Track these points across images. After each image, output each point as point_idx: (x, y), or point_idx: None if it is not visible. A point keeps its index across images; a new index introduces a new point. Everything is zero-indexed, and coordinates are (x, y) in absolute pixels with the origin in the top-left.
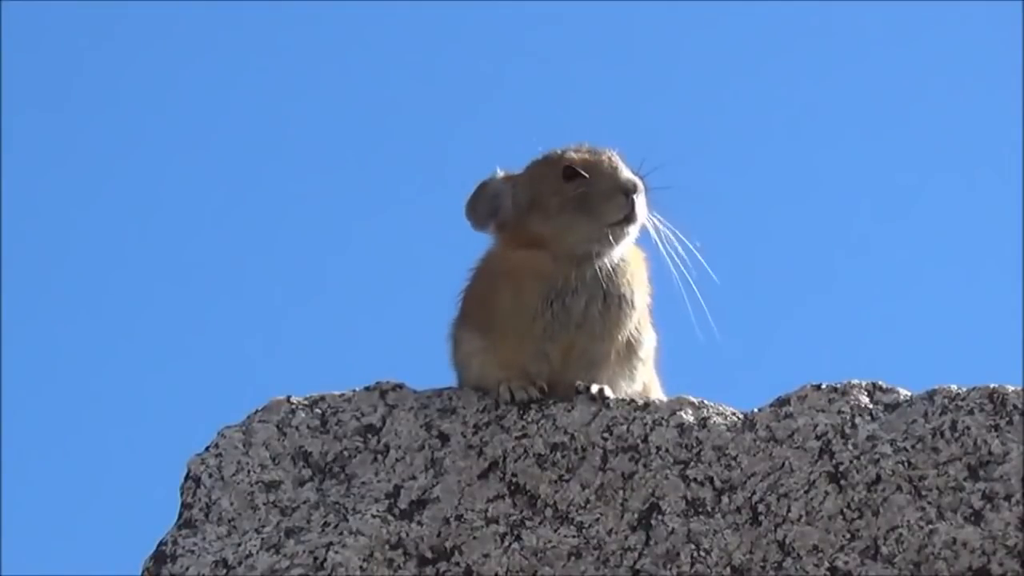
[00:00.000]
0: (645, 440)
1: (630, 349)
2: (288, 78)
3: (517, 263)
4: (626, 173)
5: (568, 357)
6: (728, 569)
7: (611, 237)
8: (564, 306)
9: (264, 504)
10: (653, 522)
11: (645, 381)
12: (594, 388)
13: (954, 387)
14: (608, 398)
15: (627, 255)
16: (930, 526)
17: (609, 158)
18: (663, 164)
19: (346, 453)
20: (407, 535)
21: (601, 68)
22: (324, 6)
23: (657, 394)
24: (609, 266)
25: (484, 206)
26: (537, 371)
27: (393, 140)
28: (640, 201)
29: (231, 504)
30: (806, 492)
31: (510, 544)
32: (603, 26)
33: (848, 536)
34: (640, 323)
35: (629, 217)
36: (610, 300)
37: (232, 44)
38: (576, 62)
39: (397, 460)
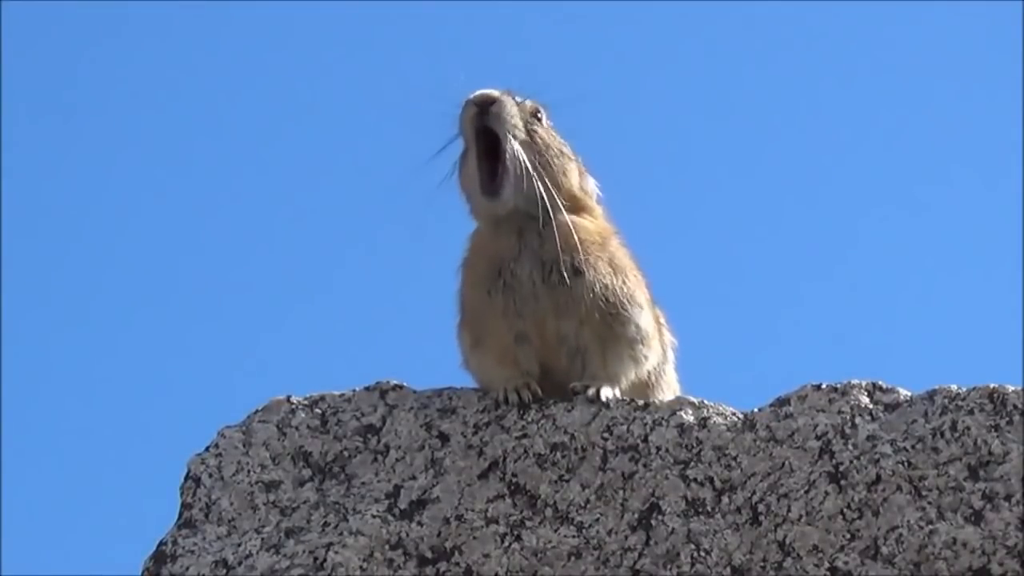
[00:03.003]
0: (645, 440)
1: (610, 328)
2: (289, 78)
3: (470, 244)
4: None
5: (545, 340)
6: (728, 569)
7: (473, 185)
8: (513, 275)
9: (264, 504)
10: (653, 522)
11: (651, 368)
12: (590, 391)
13: (954, 387)
14: (605, 400)
15: (582, 227)
16: (930, 526)
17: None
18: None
19: (346, 453)
20: (407, 535)
21: (602, 63)
22: (322, 6)
23: (668, 386)
24: (558, 233)
25: None
26: (527, 362)
27: (394, 140)
28: (495, 111)
29: (231, 504)
30: (806, 492)
31: (510, 544)
32: (603, 24)
33: (848, 536)
34: (610, 298)
35: (474, 129)
36: (551, 267)
37: (232, 44)
38: (578, 58)
39: (397, 460)
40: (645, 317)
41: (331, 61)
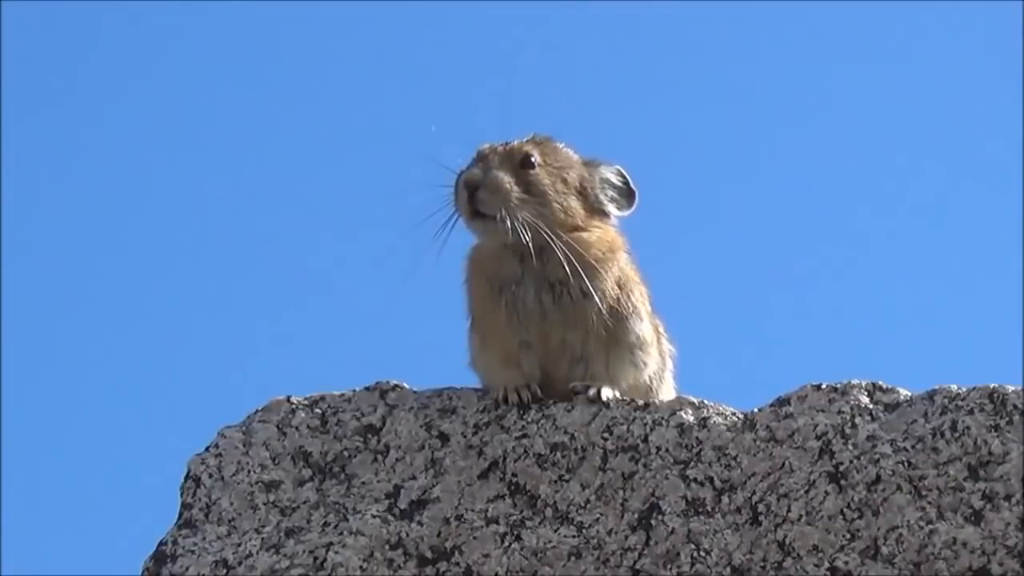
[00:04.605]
0: (645, 440)
1: (613, 337)
2: (289, 78)
3: (472, 257)
4: (470, 171)
5: (549, 347)
6: (728, 569)
7: (473, 228)
8: (515, 295)
9: (264, 504)
10: (653, 522)
11: (650, 375)
12: (591, 391)
13: (954, 387)
14: (605, 400)
15: (588, 244)
16: (930, 526)
17: (477, 153)
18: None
19: (346, 453)
20: (407, 535)
21: (603, 67)
22: (319, 7)
23: (667, 393)
24: (561, 255)
25: None
26: (529, 366)
27: (394, 140)
28: (483, 196)
29: (231, 504)
30: (806, 492)
31: (510, 544)
32: (603, 24)
33: (848, 536)
34: (615, 313)
35: (467, 211)
36: (559, 289)
37: (236, 44)
38: (580, 60)
39: (397, 460)
40: (645, 327)
41: (335, 58)
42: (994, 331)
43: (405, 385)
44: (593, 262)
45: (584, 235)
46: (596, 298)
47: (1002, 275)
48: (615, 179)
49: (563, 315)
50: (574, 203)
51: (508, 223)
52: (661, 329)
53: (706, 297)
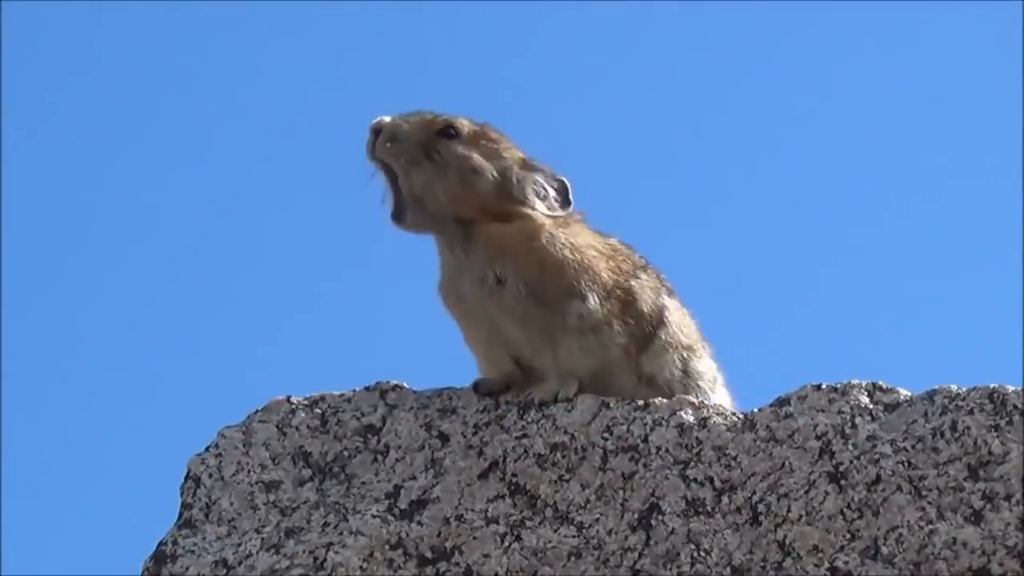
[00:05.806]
0: (645, 440)
1: (554, 323)
2: (288, 79)
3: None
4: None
5: (506, 339)
6: (728, 569)
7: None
8: (460, 288)
9: (264, 504)
10: (653, 522)
11: (623, 342)
12: (533, 397)
13: (954, 387)
14: (540, 402)
15: (506, 233)
16: (930, 526)
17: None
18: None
19: (346, 453)
20: (407, 535)
21: (604, 66)
22: (317, 6)
23: (707, 384)
24: (479, 245)
25: None
26: (502, 361)
27: None
28: (380, 141)
29: (231, 504)
30: (806, 492)
31: (510, 544)
32: (603, 24)
33: (848, 536)
34: (543, 297)
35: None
36: (479, 279)
37: (237, 43)
38: (576, 58)
39: (397, 460)
40: (592, 301)
41: (336, 60)
42: (994, 331)
43: (405, 385)
44: (508, 249)
45: (498, 226)
46: (509, 284)
47: (1002, 275)
48: (550, 183)
49: (493, 306)
50: (484, 184)
51: (404, 178)
52: (648, 301)
53: (706, 297)
